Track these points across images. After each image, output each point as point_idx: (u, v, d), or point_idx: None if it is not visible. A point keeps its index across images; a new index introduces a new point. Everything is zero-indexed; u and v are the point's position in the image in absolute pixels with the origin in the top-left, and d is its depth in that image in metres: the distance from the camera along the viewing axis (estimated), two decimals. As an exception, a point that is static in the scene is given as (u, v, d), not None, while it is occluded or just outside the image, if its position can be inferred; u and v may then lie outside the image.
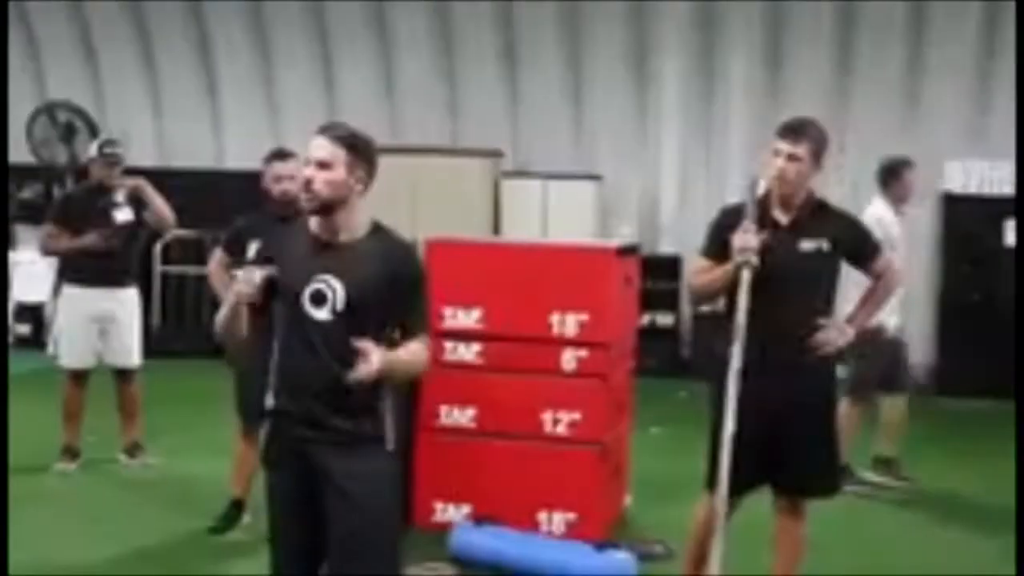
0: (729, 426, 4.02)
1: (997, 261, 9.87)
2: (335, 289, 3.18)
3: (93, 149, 6.80)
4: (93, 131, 11.24)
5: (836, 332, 4.15)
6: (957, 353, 9.93)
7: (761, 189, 4.14)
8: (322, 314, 3.18)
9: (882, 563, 5.45)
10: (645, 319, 9.74)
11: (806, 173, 4.10)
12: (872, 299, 4.38)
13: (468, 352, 5.53)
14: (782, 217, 4.14)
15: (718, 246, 4.15)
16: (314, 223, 3.27)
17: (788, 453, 4.14)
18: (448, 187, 10.22)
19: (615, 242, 7.44)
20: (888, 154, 10.18)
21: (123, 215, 6.57)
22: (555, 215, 10.30)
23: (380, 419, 3.26)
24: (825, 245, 4.10)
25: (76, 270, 6.64)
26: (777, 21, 10.48)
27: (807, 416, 4.13)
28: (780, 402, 4.06)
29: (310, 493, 3.20)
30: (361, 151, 3.25)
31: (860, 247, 4.25)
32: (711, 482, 4.14)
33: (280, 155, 5.53)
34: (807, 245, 4.08)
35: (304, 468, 3.21)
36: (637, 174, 10.97)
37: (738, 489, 4.10)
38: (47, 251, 6.91)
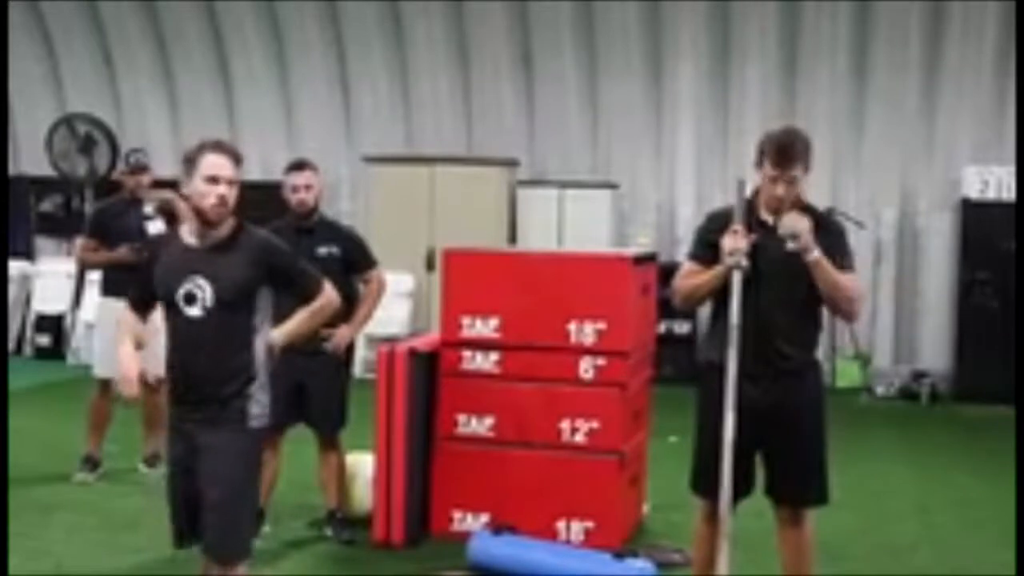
0: (729, 431, 4.02)
1: (1015, 267, 9.84)
2: (205, 289, 3.74)
3: (121, 163, 6.94)
4: (112, 143, 11.32)
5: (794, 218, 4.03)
6: (976, 359, 9.89)
7: (749, 192, 4.15)
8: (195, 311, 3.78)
9: (901, 568, 5.42)
10: (662, 327, 9.72)
11: (800, 188, 4.12)
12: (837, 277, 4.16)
13: (486, 361, 5.54)
14: (769, 219, 4.16)
15: (706, 250, 4.18)
16: (191, 232, 3.82)
17: (775, 461, 4.16)
18: (464, 196, 10.25)
19: (632, 250, 7.44)
20: (906, 160, 10.19)
21: (155, 227, 6.66)
22: (571, 224, 10.31)
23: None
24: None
25: (110, 282, 6.72)
26: (793, 29, 10.47)
27: (794, 421, 4.12)
28: (765, 405, 4.07)
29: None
30: (241, 165, 3.84)
31: (826, 254, 4.08)
32: (695, 484, 4.24)
33: (296, 166, 5.58)
34: (794, 245, 4.07)
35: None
36: (653, 182, 10.97)
37: (745, 492, 4.15)
38: (84, 264, 7.05)
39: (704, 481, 4.21)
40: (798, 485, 4.20)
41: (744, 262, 4.02)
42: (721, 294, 4.13)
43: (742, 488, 4.19)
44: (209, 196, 3.71)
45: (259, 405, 3.80)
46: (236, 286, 3.73)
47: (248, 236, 3.82)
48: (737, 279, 4.04)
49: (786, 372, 4.10)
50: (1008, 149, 10.13)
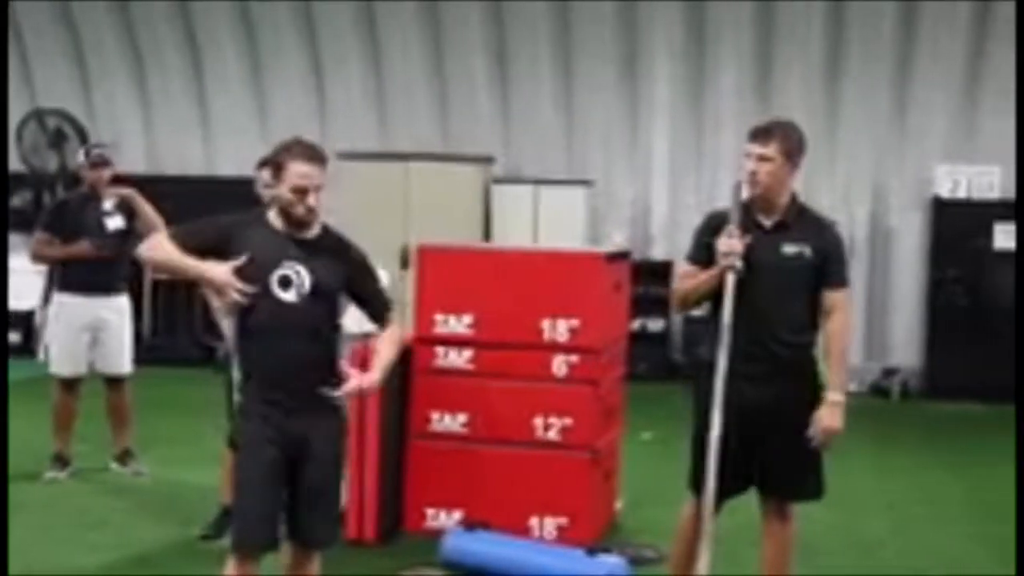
0: (716, 429, 4.04)
1: (986, 265, 9.94)
2: (303, 276, 3.69)
3: (81, 156, 6.81)
4: (83, 138, 11.23)
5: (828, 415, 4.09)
6: (946, 356, 9.98)
7: (745, 193, 4.15)
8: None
9: (872, 564, 5.47)
10: (636, 324, 9.75)
11: (779, 174, 4.09)
12: (835, 358, 4.16)
13: (460, 358, 5.53)
14: (765, 220, 4.15)
15: (703, 251, 4.17)
16: (281, 224, 3.74)
17: (771, 457, 4.15)
18: (439, 193, 10.22)
19: (606, 248, 7.46)
20: (879, 159, 10.25)
21: (115, 223, 6.57)
22: (546, 221, 10.31)
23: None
24: (807, 250, 4.10)
25: (68, 278, 6.62)
26: (768, 29, 10.52)
27: (790, 419, 4.12)
28: (762, 405, 4.08)
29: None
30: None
31: (826, 267, 4.12)
32: (694, 484, 4.18)
33: (267, 163, 5.53)
34: (789, 249, 4.08)
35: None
36: (628, 179, 11.00)
37: (723, 493, 4.12)
38: (37, 258, 6.90)
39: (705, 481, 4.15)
40: (793, 479, 4.20)
41: (739, 264, 4.02)
42: (720, 295, 4.11)
43: (737, 486, 4.19)
44: (298, 207, 3.67)
45: (342, 397, 3.78)
46: (330, 279, 3.72)
47: (333, 237, 3.82)
48: (731, 281, 4.04)
49: (782, 371, 4.10)
50: (978, 148, 10.23)
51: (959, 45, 10.23)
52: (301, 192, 3.66)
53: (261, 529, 3.70)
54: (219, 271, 3.65)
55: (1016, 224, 9.71)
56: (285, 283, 3.67)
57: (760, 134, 4.11)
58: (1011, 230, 9.84)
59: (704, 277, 4.14)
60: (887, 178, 10.60)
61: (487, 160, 10.71)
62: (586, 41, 10.80)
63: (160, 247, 3.76)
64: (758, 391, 4.07)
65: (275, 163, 3.74)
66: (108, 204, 6.57)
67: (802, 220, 4.17)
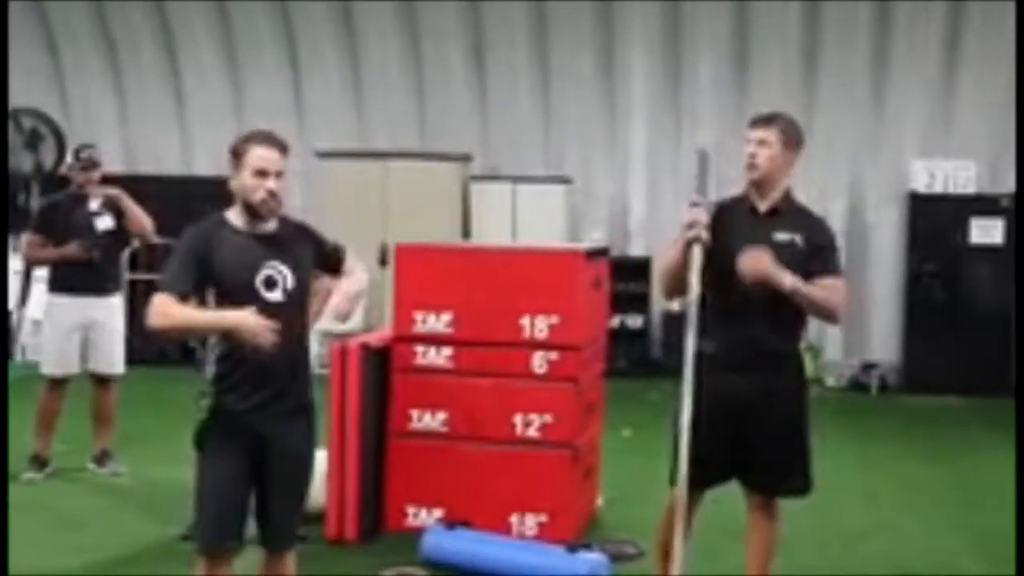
0: (686, 415, 4.00)
1: (962, 260, 10.01)
2: (284, 273, 3.65)
3: (69, 157, 6.82)
4: (59, 138, 11.16)
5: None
6: (924, 351, 10.04)
7: (711, 163, 4.15)
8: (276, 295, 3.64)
9: (850, 557, 5.49)
10: (615, 321, 9.78)
11: (778, 159, 4.10)
12: (819, 288, 4.05)
13: (439, 356, 5.53)
14: (760, 205, 4.15)
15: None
16: (244, 220, 3.67)
17: (757, 450, 4.13)
18: (417, 191, 10.22)
19: (584, 245, 7.46)
20: (855, 154, 10.24)
21: (104, 223, 6.57)
22: (525, 218, 10.32)
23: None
24: (799, 239, 4.08)
25: (59, 279, 6.63)
26: (744, 27, 10.55)
27: (777, 411, 4.11)
28: (750, 396, 4.06)
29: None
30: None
31: (819, 256, 4.10)
32: (674, 478, 4.13)
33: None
34: (781, 236, 4.07)
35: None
36: (606, 177, 11.01)
37: (703, 482, 4.10)
38: (31, 261, 6.93)
39: (693, 472, 4.09)
40: (779, 473, 4.17)
41: (704, 235, 3.97)
42: (708, 285, 4.03)
43: (722, 475, 4.18)
44: (259, 191, 3.59)
45: (312, 397, 3.82)
46: (308, 269, 3.74)
47: (290, 225, 3.79)
48: (697, 253, 3.98)
49: (769, 360, 4.07)
50: (954, 143, 10.30)
51: (935, 39, 10.29)
52: (262, 174, 3.59)
53: (227, 530, 3.66)
54: (247, 321, 3.48)
55: (1016, 221, 9.75)
56: (270, 284, 3.63)
57: (761, 120, 4.16)
58: (987, 224, 9.91)
59: (672, 253, 4.10)
60: (864, 173, 10.66)
61: (465, 158, 10.71)
62: (563, 39, 10.81)
63: (164, 314, 3.51)
64: (746, 381, 4.05)
65: (234, 152, 3.65)
66: (95, 204, 6.57)
67: (795, 210, 4.18)
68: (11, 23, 11.52)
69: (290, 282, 3.65)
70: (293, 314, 3.65)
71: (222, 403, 3.64)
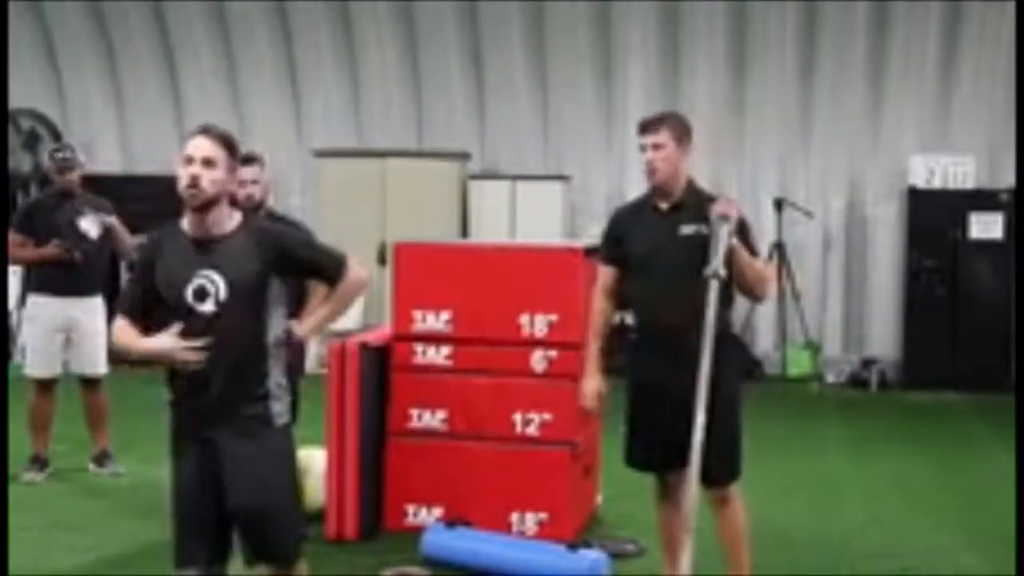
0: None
1: (961, 255, 10.00)
2: (217, 283, 3.49)
3: (46, 160, 6.80)
4: (57, 138, 11.15)
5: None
6: (922, 347, 10.04)
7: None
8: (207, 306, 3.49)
9: (848, 553, 5.49)
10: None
11: (673, 158, 4.27)
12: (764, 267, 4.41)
13: (438, 355, 5.53)
14: (663, 203, 4.28)
15: (611, 250, 4.43)
16: (189, 224, 3.55)
17: (690, 439, 4.08)
18: (416, 189, 10.22)
19: (583, 242, 7.45)
20: (854, 150, 10.19)
21: (87, 225, 6.54)
22: (523, 216, 10.33)
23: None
24: (704, 228, 4.15)
25: (42, 279, 6.60)
26: (742, 22, 10.54)
27: (706, 399, 4.05)
28: (679, 388, 4.07)
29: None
30: (235, 153, 3.56)
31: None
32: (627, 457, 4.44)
33: (244, 160, 5.49)
34: (686, 229, 4.18)
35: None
36: (604, 174, 11.00)
37: (655, 467, 4.36)
38: (12, 260, 6.88)
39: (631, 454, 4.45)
40: (714, 464, 4.12)
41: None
42: (631, 298, 4.38)
43: (668, 463, 4.28)
44: (183, 178, 3.45)
45: (280, 403, 3.60)
46: (248, 278, 3.49)
47: (253, 226, 3.60)
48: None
49: (693, 352, 4.03)
50: (953, 138, 10.30)
51: (933, 35, 10.28)
52: (188, 161, 3.45)
53: (185, 555, 3.58)
54: (163, 346, 3.47)
55: (1016, 216, 9.75)
56: (201, 295, 3.48)
57: (651, 124, 4.34)
58: (986, 220, 9.91)
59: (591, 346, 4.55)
60: (863, 169, 10.65)
61: (463, 156, 10.71)
62: (560, 37, 10.80)
63: (117, 335, 3.58)
64: (674, 373, 4.13)
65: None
66: (85, 222, 6.54)
67: (697, 201, 4.26)
68: (10, 24, 11.54)
69: (223, 292, 3.47)
70: (228, 325, 3.47)
71: (173, 407, 3.63)
